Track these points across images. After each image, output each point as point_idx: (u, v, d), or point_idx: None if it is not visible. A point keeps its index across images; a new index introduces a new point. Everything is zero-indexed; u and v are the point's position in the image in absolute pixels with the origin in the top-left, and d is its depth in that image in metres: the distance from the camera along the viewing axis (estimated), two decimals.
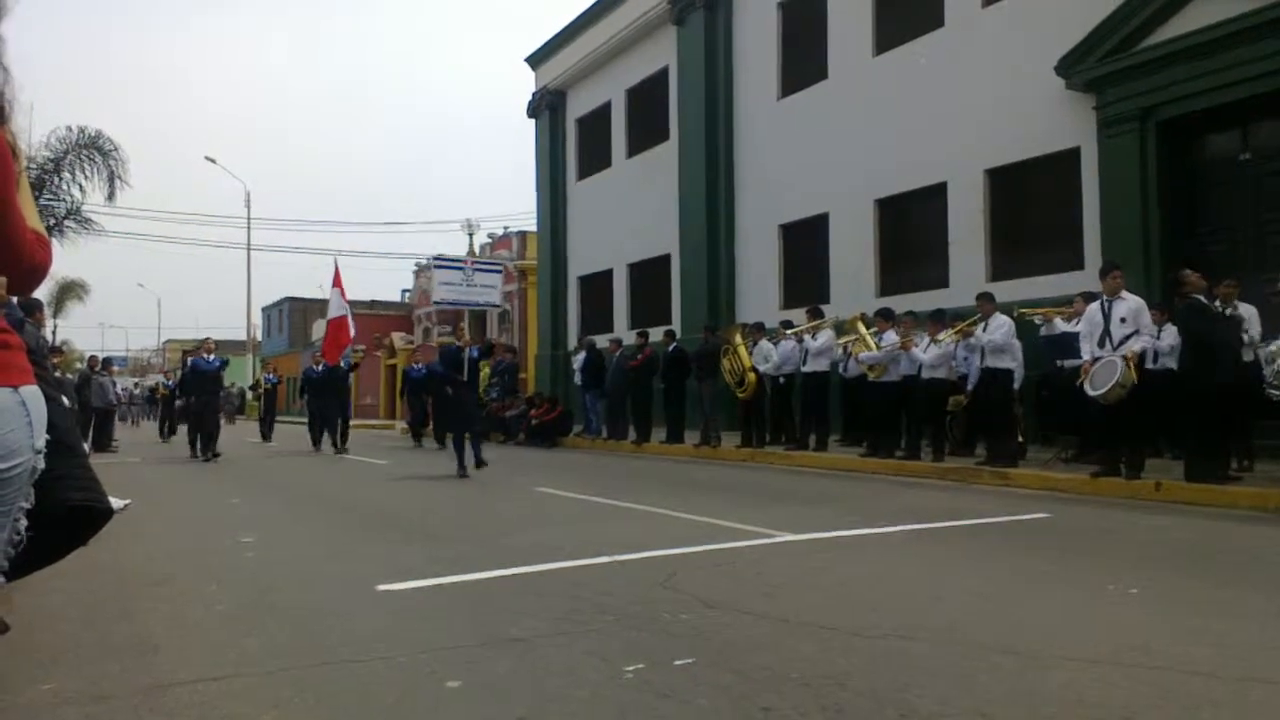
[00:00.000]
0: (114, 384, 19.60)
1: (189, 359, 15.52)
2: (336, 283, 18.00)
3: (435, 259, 19.08)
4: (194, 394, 14.87)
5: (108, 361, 20.63)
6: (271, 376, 22.33)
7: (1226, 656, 3.22)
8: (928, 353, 10.12)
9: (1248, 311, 8.26)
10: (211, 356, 14.87)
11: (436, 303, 18.71)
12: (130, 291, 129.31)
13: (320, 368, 17.40)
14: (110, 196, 22.23)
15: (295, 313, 57.97)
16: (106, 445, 16.81)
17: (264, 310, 60.79)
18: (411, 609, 4.15)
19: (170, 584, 4.75)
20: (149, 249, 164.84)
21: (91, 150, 22.12)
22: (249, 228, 37.31)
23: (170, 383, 24.33)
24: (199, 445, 14.56)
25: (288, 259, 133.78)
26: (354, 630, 3.74)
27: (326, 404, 16.82)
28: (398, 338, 38.49)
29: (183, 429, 20.68)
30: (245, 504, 8.60)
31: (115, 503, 3.25)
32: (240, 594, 4.47)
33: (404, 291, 48.18)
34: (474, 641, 3.53)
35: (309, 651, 3.43)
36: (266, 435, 20.64)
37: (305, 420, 18.44)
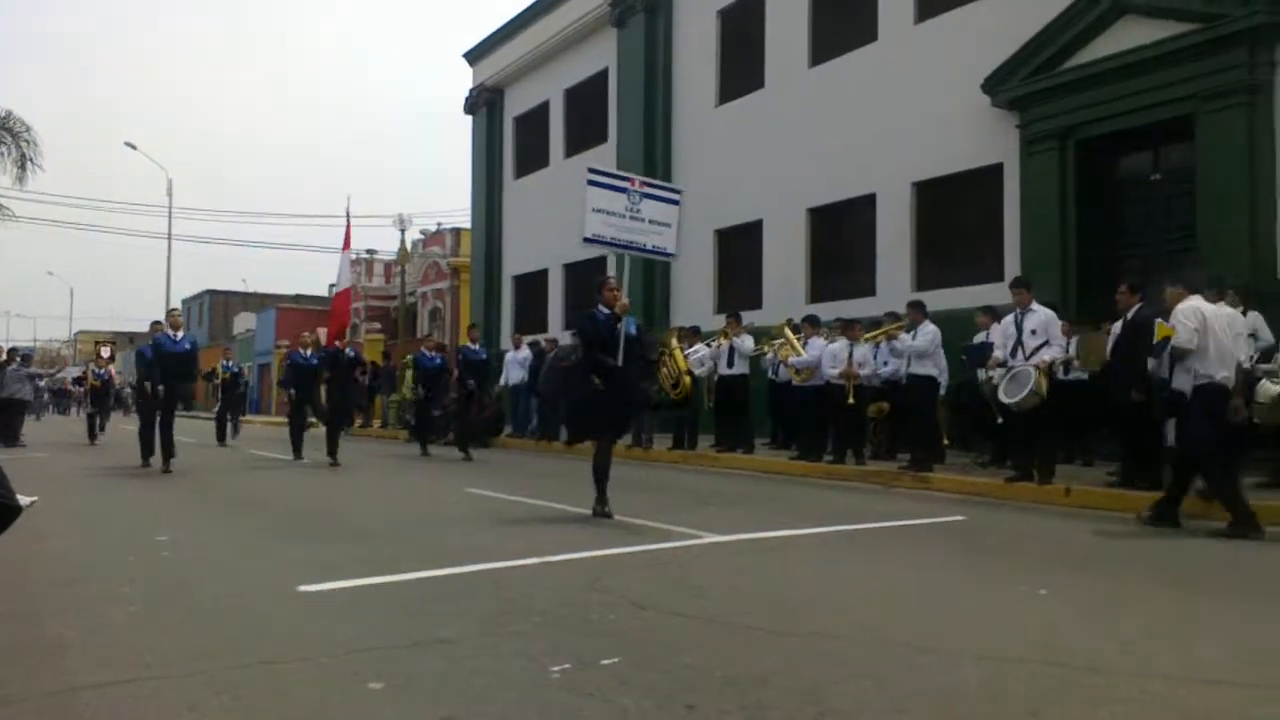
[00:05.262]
0: (36, 376, 17.95)
1: (129, 344, 13.72)
2: (346, 245, 14.40)
3: (591, 172, 10.11)
4: (157, 382, 11.15)
5: (27, 355, 19.45)
6: (230, 364, 18.43)
7: (1128, 654, 3.38)
8: (854, 356, 10.32)
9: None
10: (179, 334, 11.50)
11: (587, 239, 9.74)
12: (39, 280, 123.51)
13: (310, 354, 13.30)
14: (20, 180, 21.39)
15: (216, 306, 56.39)
16: (14, 440, 16.03)
17: (184, 302, 58.91)
18: (334, 610, 4.08)
19: (81, 584, 4.58)
20: (62, 235, 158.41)
21: (1, 131, 21.23)
22: (170, 216, 36.19)
23: (101, 371, 18.59)
24: (157, 449, 11.02)
25: (207, 250, 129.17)
26: (274, 631, 3.67)
27: (328, 399, 12.94)
28: (324, 333, 37.64)
29: (115, 428, 19.32)
30: (161, 502, 8.32)
31: (21, 500, 3.12)
32: (155, 594, 4.33)
33: (330, 286, 47.18)
34: (398, 643, 3.49)
35: (226, 653, 3.34)
36: (224, 437, 16.90)
37: (286, 420, 14.12)
